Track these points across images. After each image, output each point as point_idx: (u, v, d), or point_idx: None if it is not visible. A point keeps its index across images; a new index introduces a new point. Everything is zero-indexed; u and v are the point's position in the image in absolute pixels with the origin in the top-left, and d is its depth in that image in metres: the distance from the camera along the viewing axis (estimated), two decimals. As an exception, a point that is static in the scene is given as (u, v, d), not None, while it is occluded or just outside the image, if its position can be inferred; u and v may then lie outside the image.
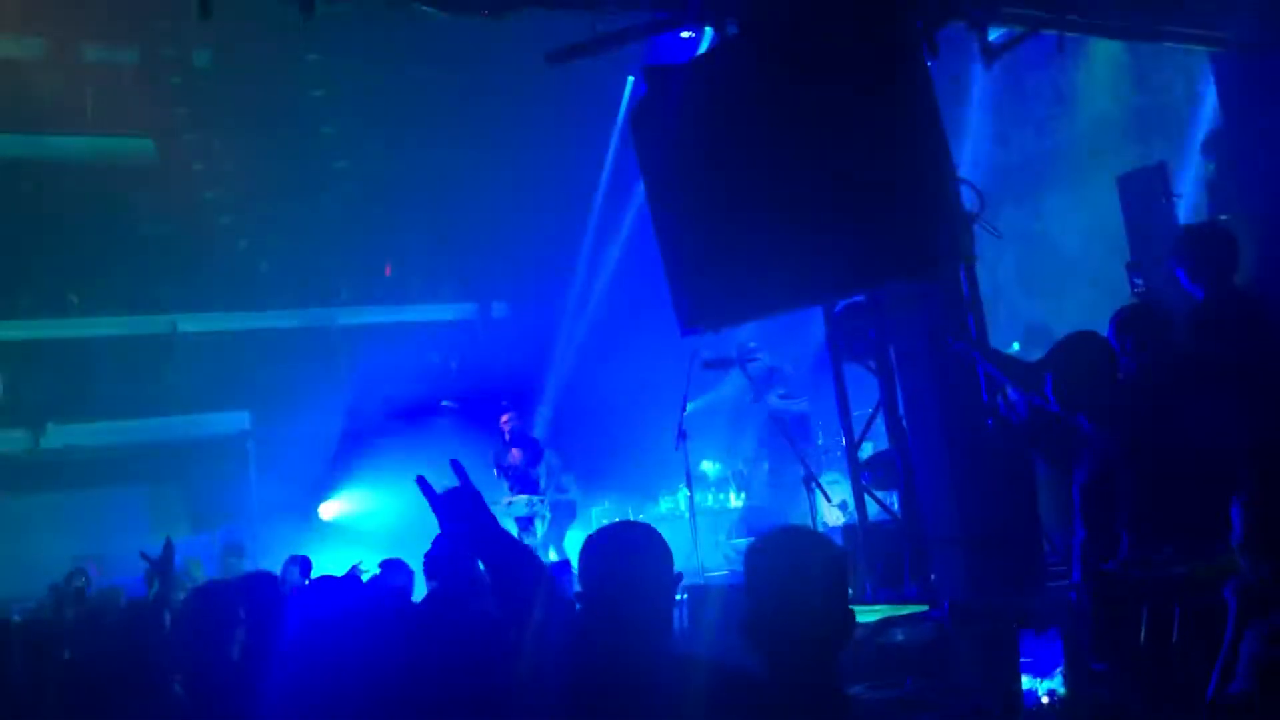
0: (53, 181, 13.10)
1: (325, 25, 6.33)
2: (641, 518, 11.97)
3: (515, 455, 11.46)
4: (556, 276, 14.92)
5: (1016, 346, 10.65)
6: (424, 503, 2.94)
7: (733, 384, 11.48)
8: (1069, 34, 8.09)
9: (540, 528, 11.34)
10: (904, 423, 6.92)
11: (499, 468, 11.47)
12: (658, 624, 2.80)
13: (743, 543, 10.42)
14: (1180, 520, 4.58)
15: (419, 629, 3.81)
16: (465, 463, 3.04)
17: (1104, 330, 5.32)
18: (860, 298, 7.01)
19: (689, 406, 9.87)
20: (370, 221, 14.34)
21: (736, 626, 2.63)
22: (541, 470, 11.45)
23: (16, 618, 6.73)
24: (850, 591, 2.70)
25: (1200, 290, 5.27)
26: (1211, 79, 9.03)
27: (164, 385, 14.45)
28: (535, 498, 11.27)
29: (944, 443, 6.58)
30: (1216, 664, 3.26)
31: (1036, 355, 6.14)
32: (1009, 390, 6.45)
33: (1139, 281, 7.81)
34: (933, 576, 6.61)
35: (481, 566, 3.12)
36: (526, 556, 2.97)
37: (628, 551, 2.84)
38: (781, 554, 2.62)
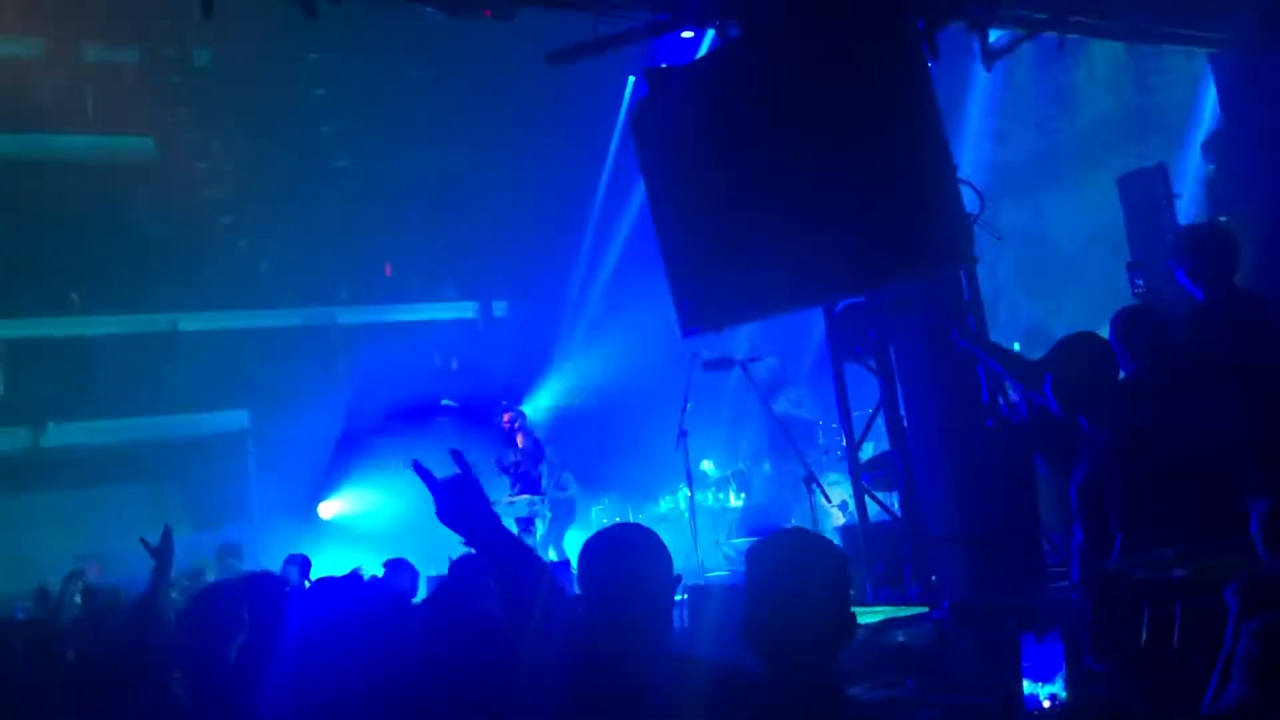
0: (54, 180, 13.11)
1: (326, 25, 6.32)
2: (641, 517, 11.97)
3: (519, 442, 11.46)
4: (557, 276, 14.93)
5: (1017, 347, 10.67)
6: (425, 500, 2.88)
7: (734, 384, 11.49)
8: (1069, 35, 8.10)
9: (541, 527, 11.34)
10: (904, 423, 6.93)
11: (500, 467, 11.47)
12: (657, 625, 2.81)
13: (742, 542, 10.44)
14: (1181, 521, 4.58)
15: (419, 630, 3.81)
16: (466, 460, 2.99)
17: (1104, 330, 5.32)
18: (860, 298, 7.02)
19: (689, 406, 9.89)
20: (370, 221, 14.34)
21: (736, 627, 2.63)
22: (543, 470, 11.45)
23: (21, 615, 6.74)
24: (851, 593, 2.70)
25: (1200, 290, 5.26)
26: (1211, 79, 9.04)
27: (164, 384, 14.46)
28: (536, 497, 11.27)
29: (944, 443, 6.59)
30: (1216, 667, 3.26)
31: (1036, 355, 6.14)
32: (1010, 390, 6.45)
33: (1139, 282, 7.80)
34: (933, 577, 6.61)
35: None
36: (526, 552, 2.95)
37: (627, 553, 2.84)
38: (782, 556, 2.62)
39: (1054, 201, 12.78)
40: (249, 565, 10.70)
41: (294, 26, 6.62)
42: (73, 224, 13.23)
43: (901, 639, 5.90)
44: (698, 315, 6.94)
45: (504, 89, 12.12)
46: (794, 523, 9.49)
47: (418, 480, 2.89)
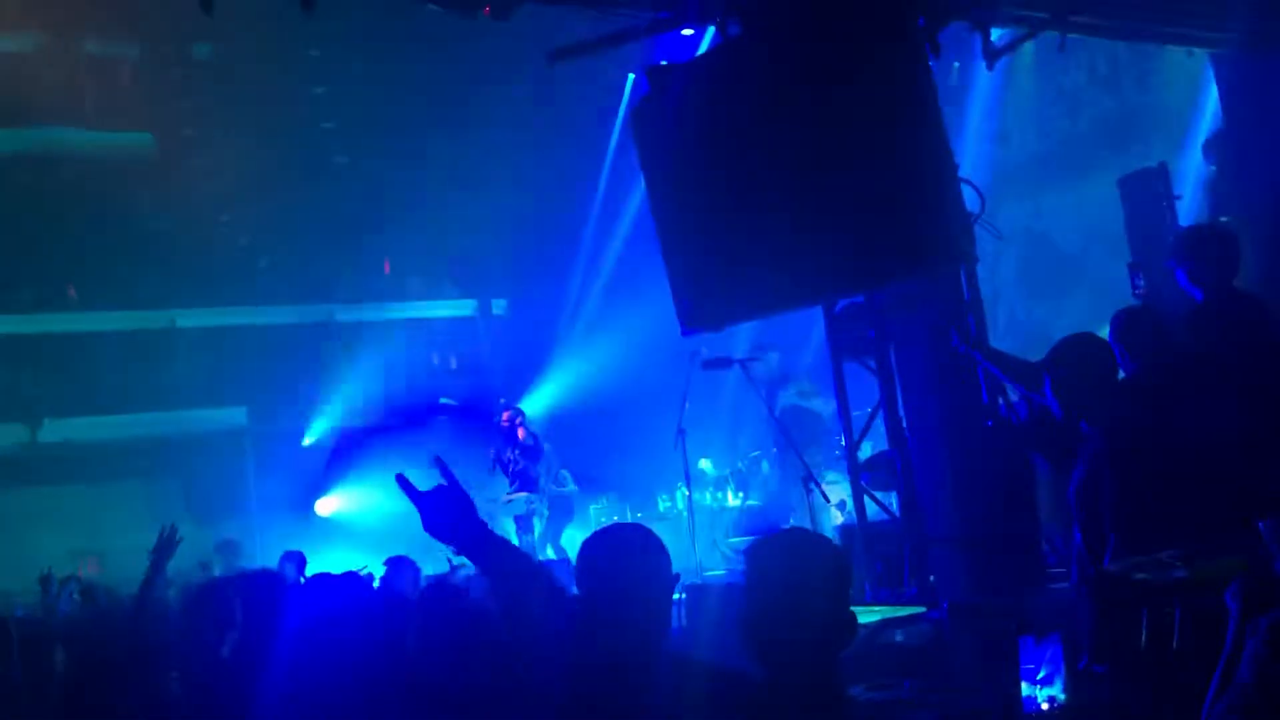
0: (52, 175, 13.08)
1: (326, 21, 6.31)
2: (639, 516, 11.97)
3: (520, 437, 11.45)
4: (556, 274, 14.91)
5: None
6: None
7: (732, 383, 11.49)
8: (1070, 34, 8.09)
9: (538, 525, 11.34)
10: (903, 423, 6.92)
11: (500, 465, 11.47)
12: (656, 625, 2.79)
13: (740, 542, 10.44)
14: (1180, 522, 4.57)
15: (415, 628, 3.80)
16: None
17: (1104, 330, 5.31)
18: (860, 298, 7.01)
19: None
20: (370, 218, 14.32)
21: (736, 627, 2.62)
22: (541, 468, 11.45)
23: (20, 613, 6.71)
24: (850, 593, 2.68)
25: (1199, 292, 5.26)
26: (1213, 79, 9.03)
27: (162, 380, 14.43)
28: (534, 495, 11.26)
29: (943, 443, 6.58)
30: (1217, 669, 3.24)
31: (1037, 357, 6.14)
32: (1010, 392, 6.44)
33: (1140, 282, 7.80)
34: (932, 577, 6.60)
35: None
36: (521, 558, 2.92)
37: (625, 553, 2.83)
38: (781, 555, 2.61)
39: (1054, 201, 12.77)
40: (246, 562, 10.70)
41: (295, 23, 6.60)
42: (71, 219, 13.20)
43: (899, 639, 5.90)
44: (697, 314, 6.93)
45: (504, 86, 12.09)
46: (792, 522, 9.49)
47: (416, 479, 2.85)
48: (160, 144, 13.17)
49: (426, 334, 15.91)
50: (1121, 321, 5.22)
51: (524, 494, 11.27)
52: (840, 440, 10.99)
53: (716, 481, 12.53)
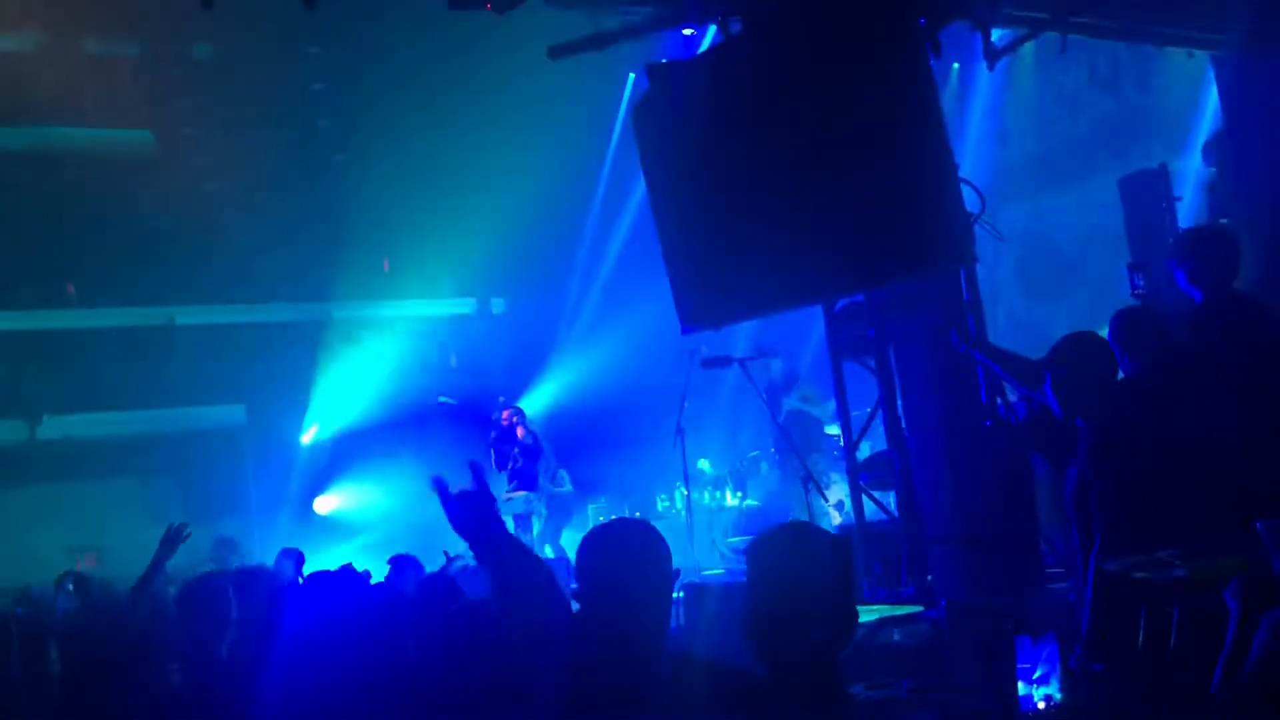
0: (51, 173, 13.07)
1: (326, 18, 6.31)
2: (638, 516, 11.97)
3: (519, 435, 11.45)
4: (556, 273, 14.90)
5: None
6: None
7: (731, 383, 11.50)
8: (1071, 35, 8.09)
9: (537, 525, 11.34)
10: (902, 423, 6.91)
11: (498, 463, 11.46)
12: (656, 622, 2.80)
13: (738, 541, 10.44)
14: (1179, 521, 4.56)
15: (414, 626, 3.79)
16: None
17: (1104, 330, 5.31)
18: (860, 297, 7.00)
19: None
20: (369, 216, 14.31)
21: (737, 623, 2.62)
22: (540, 467, 11.45)
23: (20, 610, 6.70)
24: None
25: (1199, 293, 5.25)
26: (1212, 81, 9.02)
27: (161, 377, 14.42)
28: (533, 494, 11.26)
29: (942, 443, 6.58)
30: (1218, 666, 3.24)
31: (1037, 356, 6.13)
32: (1009, 392, 6.44)
33: (1139, 282, 7.80)
34: (930, 577, 6.60)
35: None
36: (533, 563, 2.98)
37: (626, 549, 2.83)
38: (784, 549, 2.61)
39: (1054, 202, 12.76)
40: (244, 560, 10.69)
41: (294, 21, 6.60)
42: (71, 216, 13.19)
43: (897, 638, 5.90)
44: (697, 312, 6.93)
45: (504, 84, 12.08)
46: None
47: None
48: (160, 142, 13.17)
49: (425, 332, 15.89)
50: (1121, 321, 5.21)
51: (523, 493, 11.27)
52: (833, 443, 11.05)
53: (715, 481, 12.54)
